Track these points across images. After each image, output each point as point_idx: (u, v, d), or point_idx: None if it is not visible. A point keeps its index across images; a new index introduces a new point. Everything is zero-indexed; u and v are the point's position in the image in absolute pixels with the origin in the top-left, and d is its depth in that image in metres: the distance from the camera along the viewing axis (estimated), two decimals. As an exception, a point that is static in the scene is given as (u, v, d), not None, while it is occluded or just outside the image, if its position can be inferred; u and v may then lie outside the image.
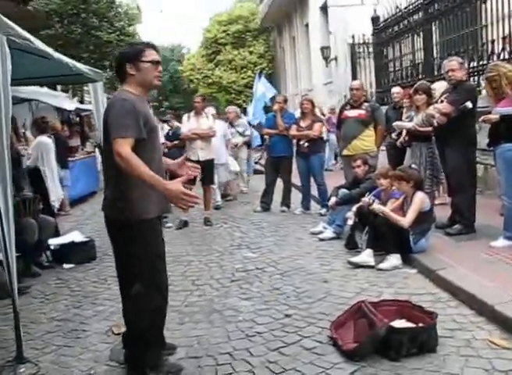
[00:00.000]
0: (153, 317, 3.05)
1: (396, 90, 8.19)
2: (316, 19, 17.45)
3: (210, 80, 25.68)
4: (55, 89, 14.37)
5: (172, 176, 3.51)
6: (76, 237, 6.22)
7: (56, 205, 6.87)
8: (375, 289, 4.48)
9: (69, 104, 13.05)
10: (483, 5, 7.71)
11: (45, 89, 11.17)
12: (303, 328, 3.73)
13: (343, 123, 7.40)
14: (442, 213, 6.00)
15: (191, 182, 7.22)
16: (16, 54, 4.07)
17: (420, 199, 5.14)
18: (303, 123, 7.88)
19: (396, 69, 11.49)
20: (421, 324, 3.36)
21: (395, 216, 5.13)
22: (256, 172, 12.41)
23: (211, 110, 9.33)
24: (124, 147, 2.76)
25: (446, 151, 5.65)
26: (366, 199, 5.57)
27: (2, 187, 3.31)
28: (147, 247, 2.97)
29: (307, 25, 19.10)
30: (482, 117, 5.08)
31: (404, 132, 6.60)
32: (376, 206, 5.32)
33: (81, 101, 16.98)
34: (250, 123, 11.86)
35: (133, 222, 2.92)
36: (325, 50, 16.08)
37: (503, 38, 7.24)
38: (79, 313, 4.33)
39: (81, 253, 5.97)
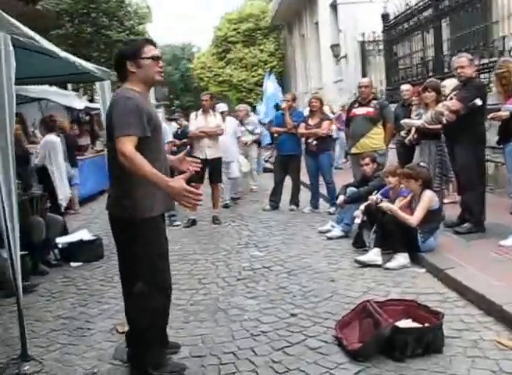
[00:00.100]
0: (154, 317, 3.04)
1: (405, 87, 8.11)
2: (326, 16, 17.37)
3: (220, 79, 25.71)
4: (65, 88, 14.45)
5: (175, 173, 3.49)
6: (84, 235, 6.24)
7: (64, 203, 6.89)
8: (382, 288, 4.44)
9: (79, 103, 13.09)
10: (494, 1, 7.62)
11: (54, 88, 11.22)
12: (308, 327, 3.70)
13: (351, 120, 7.35)
14: (452, 212, 5.94)
15: (199, 180, 7.23)
16: (24, 53, 4.09)
17: (428, 197, 5.08)
18: (311, 121, 7.84)
19: (406, 66, 11.41)
20: (426, 324, 3.32)
21: (403, 214, 5.08)
22: (266, 170, 12.40)
23: (223, 107, 9.31)
24: (127, 145, 2.74)
25: (455, 148, 5.59)
26: (373, 197, 5.53)
27: (6, 185, 3.31)
28: (149, 246, 2.95)
29: (316, 23, 19.02)
30: (491, 114, 5.01)
31: (413, 130, 6.54)
32: (384, 204, 5.27)
33: (91, 100, 17.04)
34: (260, 122, 11.84)
35: (136, 220, 2.91)
36: (335, 48, 16.02)
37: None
38: (84, 311, 4.34)
39: (89, 251, 5.99)
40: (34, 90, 9.56)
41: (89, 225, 7.80)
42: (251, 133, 10.60)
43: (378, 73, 13.12)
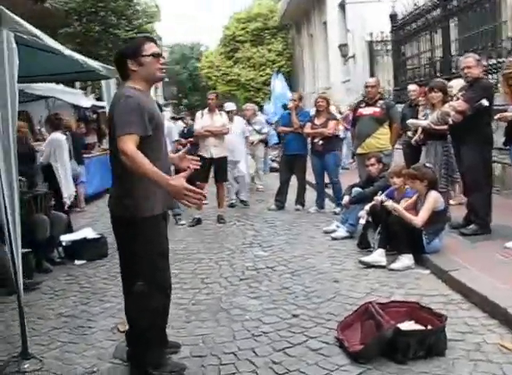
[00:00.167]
0: (153, 316, 3.02)
1: (412, 87, 8.07)
2: (334, 16, 17.32)
3: (228, 78, 25.75)
4: (73, 86, 14.47)
5: (177, 171, 3.48)
6: (89, 233, 6.24)
7: (68, 201, 6.89)
8: (385, 289, 4.41)
9: (86, 101, 13.10)
10: (502, 1, 7.55)
11: (61, 86, 11.21)
12: (310, 328, 3.68)
13: (357, 120, 7.31)
14: (458, 213, 5.89)
15: (204, 179, 7.22)
16: (30, 51, 4.09)
17: (433, 198, 5.04)
18: (317, 121, 7.81)
19: (414, 66, 11.35)
20: (429, 327, 3.28)
21: (407, 214, 5.04)
22: (272, 170, 12.38)
23: (230, 106, 9.30)
24: (129, 144, 2.73)
25: (462, 149, 5.54)
26: (378, 198, 5.49)
27: (8, 182, 3.31)
28: (149, 245, 2.94)
29: (325, 23, 18.98)
30: (498, 115, 4.96)
31: (420, 130, 6.49)
32: (389, 203, 5.23)
33: (98, 99, 17.07)
34: (268, 121, 11.82)
35: (137, 219, 2.90)
36: (343, 48, 15.97)
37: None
38: (86, 310, 4.33)
39: (93, 250, 5.98)
40: (41, 88, 9.57)
41: (95, 223, 7.81)
42: (258, 132, 10.58)
43: (386, 73, 13.06)
